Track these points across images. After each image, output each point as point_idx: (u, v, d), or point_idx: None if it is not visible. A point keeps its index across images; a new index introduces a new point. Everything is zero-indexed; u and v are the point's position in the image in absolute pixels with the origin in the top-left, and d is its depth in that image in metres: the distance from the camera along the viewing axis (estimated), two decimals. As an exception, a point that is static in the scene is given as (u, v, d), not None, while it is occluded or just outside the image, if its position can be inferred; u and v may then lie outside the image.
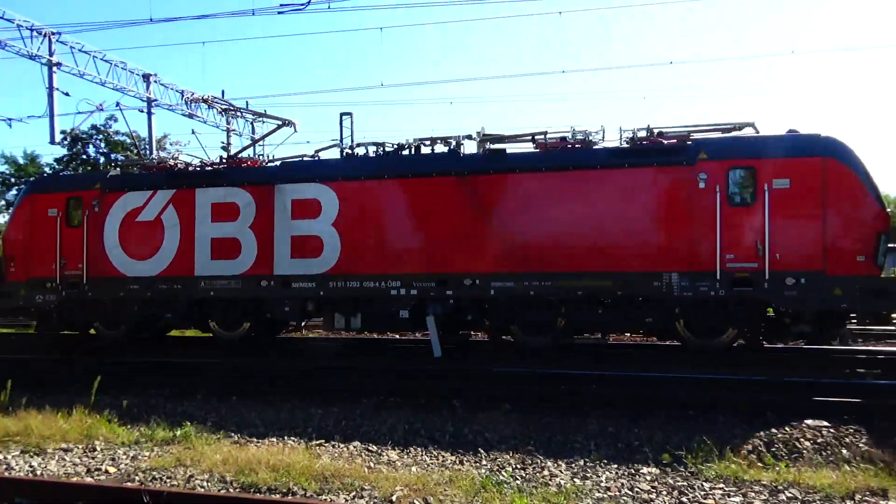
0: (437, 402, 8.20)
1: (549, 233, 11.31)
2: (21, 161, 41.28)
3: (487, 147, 12.19)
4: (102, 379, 8.35)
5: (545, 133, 12.03)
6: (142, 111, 24.22)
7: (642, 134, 11.51)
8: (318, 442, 6.86)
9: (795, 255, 10.19)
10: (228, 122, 27.51)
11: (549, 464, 6.13)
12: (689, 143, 11.03)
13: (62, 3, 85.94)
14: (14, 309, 15.41)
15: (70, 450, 6.68)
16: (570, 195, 11.30)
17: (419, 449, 6.68)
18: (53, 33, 19.28)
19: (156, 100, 23.79)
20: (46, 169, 39.72)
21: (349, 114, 17.03)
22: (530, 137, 12.21)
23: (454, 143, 12.51)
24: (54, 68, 19.52)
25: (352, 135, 16.86)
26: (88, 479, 5.74)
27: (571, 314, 11.37)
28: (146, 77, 23.23)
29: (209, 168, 14.24)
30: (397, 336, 13.69)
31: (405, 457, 6.46)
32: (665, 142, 11.32)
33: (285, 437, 7.00)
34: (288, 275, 12.57)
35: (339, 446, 6.79)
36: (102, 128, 39.79)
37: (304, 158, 13.53)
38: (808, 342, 11.49)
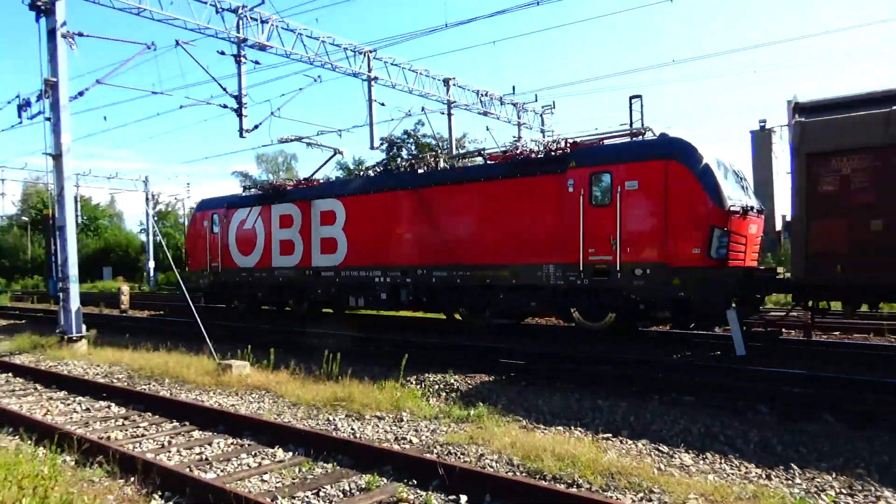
0: (740, 406, 7.41)
1: (466, 233, 14.05)
2: (350, 166, 48.11)
3: (447, 162, 16.07)
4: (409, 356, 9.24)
5: (483, 150, 16.01)
6: (443, 113, 26.37)
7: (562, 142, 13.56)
8: (604, 435, 6.66)
9: (642, 248, 11.50)
10: (519, 117, 28.62)
11: (888, 494, 5.06)
12: (565, 152, 12.97)
13: (377, 23, 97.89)
14: (194, 289, 19.67)
15: (383, 418, 7.49)
16: (476, 202, 13.99)
17: (717, 455, 6.06)
18: (371, 51, 21.92)
19: (454, 101, 25.67)
20: (370, 172, 45.73)
21: (638, 96, 16.26)
22: (477, 153, 16.10)
23: (433, 160, 16.28)
24: (372, 82, 22.25)
25: (641, 119, 16.06)
26: (396, 447, 6.34)
27: (490, 299, 13.75)
28: (446, 81, 25.19)
29: (279, 189, 19.55)
30: (700, 331, 12.73)
31: (700, 462, 5.92)
32: (553, 153, 13.26)
33: (571, 427, 6.95)
34: (319, 266, 17.16)
35: (626, 442, 6.51)
36: (413, 132, 44.46)
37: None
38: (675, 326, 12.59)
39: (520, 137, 27.70)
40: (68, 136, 14.26)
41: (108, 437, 6.89)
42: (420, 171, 16.03)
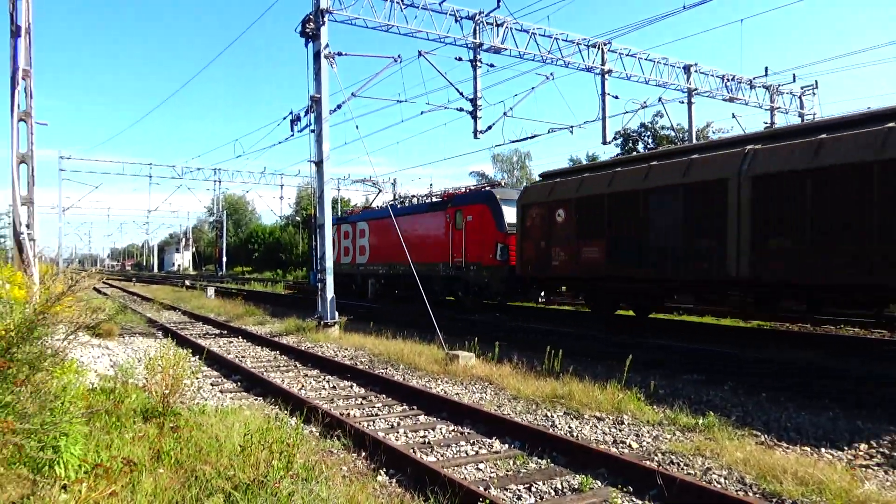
0: None
1: (409, 245, 16.54)
2: (584, 162, 47.54)
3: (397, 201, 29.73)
4: (634, 357, 8.82)
5: (414, 196, 28.01)
6: (682, 102, 24.79)
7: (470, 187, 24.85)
8: (863, 462, 5.68)
9: (475, 255, 19.77)
10: (772, 101, 25.85)
11: None
12: (447, 199, 22.08)
13: (611, 14, 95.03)
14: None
15: (602, 419, 7.24)
16: (417, 225, 22.89)
17: None
18: (605, 43, 21.38)
19: (696, 89, 23.99)
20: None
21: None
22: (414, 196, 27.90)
23: (408, 198, 28.18)
24: (606, 76, 21.68)
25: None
26: (613, 450, 6.08)
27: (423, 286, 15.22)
28: (686, 68, 23.65)
29: (342, 216, 30.58)
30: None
31: None
32: (443, 199, 22.54)
33: (820, 449, 6.04)
34: (360, 264, 27.17)
35: (892, 474, 5.48)
36: (650, 124, 42.54)
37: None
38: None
39: (773, 123, 25.05)
40: (327, 145, 16.06)
41: (348, 414, 7.60)
42: (397, 205, 25.80)
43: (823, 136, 10.81)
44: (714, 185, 12.13)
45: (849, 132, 10.49)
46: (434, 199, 23.69)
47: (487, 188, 21.90)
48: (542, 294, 20.49)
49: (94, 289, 31.12)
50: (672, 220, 12.97)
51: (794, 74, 24.89)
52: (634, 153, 36.96)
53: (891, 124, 9.87)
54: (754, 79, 24.94)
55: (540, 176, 19.50)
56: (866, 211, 9.89)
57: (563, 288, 19.95)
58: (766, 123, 25.36)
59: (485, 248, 19.15)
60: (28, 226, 9.72)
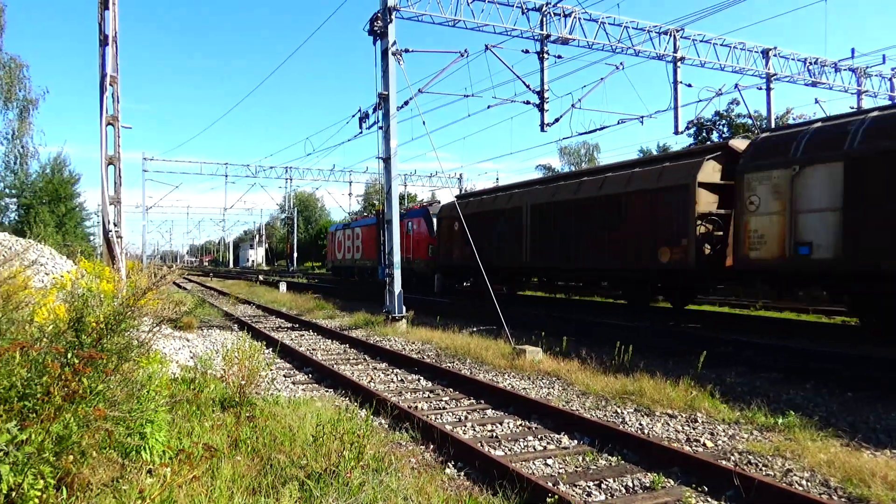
0: None
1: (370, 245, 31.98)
2: (654, 152, 46.29)
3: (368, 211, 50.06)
4: (708, 353, 8.55)
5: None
6: (760, 88, 23.77)
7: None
8: (962, 468, 5.31)
9: (417, 253, 27.86)
10: (859, 84, 24.46)
11: None
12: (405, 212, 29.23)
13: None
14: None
15: (674, 416, 7.05)
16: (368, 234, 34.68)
17: None
18: (677, 30, 20.72)
19: (775, 74, 22.96)
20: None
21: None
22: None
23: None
24: (678, 63, 21.02)
25: None
26: (687, 448, 5.92)
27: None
28: (765, 53, 22.65)
29: (348, 222, 40.84)
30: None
31: None
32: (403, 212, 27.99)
33: (913, 452, 5.70)
34: (356, 258, 36.43)
35: None
36: (725, 112, 40.99)
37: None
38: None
39: (860, 107, 23.71)
40: (395, 142, 16.24)
41: (416, 407, 7.68)
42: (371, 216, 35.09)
43: (561, 182, 19.73)
44: (517, 210, 20.48)
45: (573, 181, 18.79)
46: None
47: (426, 205, 30.08)
48: (445, 279, 27.05)
49: (175, 284, 32.64)
50: (502, 231, 21.28)
51: (883, 55, 23.50)
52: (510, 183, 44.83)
53: (586, 178, 18.20)
54: (839, 61, 23.66)
55: (456, 197, 24.74)
56: (584, 228, 17.16)
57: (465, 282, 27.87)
58: (852, 108, 24.02)
59: (421, 248, 27.87)
60: (116, 224, 10.29)
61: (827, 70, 23.67)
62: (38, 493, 2.78)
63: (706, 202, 13.48)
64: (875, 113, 11.19)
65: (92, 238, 41.80)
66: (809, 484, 5.02)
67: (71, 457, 3.68)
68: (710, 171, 13.60)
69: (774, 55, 22.75)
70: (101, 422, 3.84)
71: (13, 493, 2.60)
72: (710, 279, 15.15)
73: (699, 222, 13.33)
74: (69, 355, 3.20)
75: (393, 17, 15.81)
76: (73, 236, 34.46)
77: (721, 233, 13.48)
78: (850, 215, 10.69)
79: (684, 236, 13.58)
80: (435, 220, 26.41)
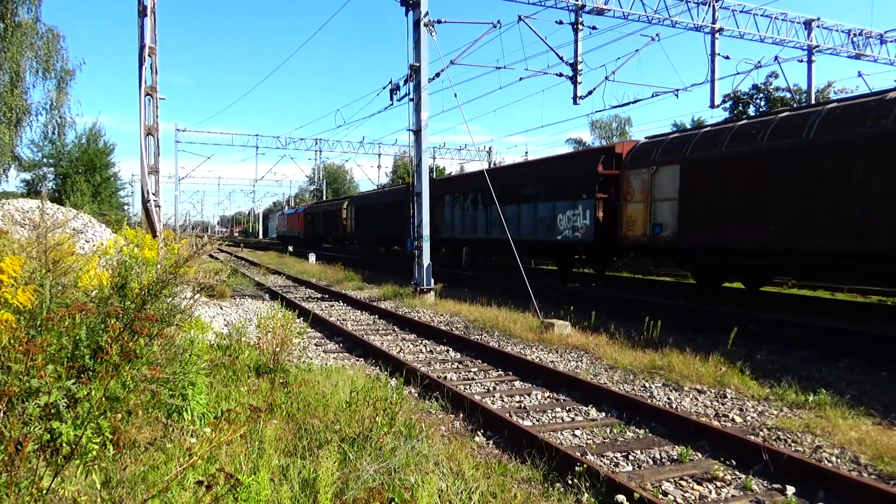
0: None
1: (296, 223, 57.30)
2: (688, 126, 45.37)
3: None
4: (738, 330, 8.51)
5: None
6: (800, 61, 23.13)
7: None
8: None
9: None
10: (904, 56, 23.64)
11: None
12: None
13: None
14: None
15: (703, 392, 7.07)
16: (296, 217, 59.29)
17: None
18: (716, 0, 20.20)
19: (817, 46, 22.30)
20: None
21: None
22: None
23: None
24: (716, 35, 20.51)
25: None
26: (715, 423, 5.94)
27: None
28: (807, 24, 22.00)
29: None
30: None
31: None
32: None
33: (949, 432, 5.64)
34: (292, 232, 60.09)
35: None
36: (763, 86, 39.91)
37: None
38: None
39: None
40: (425, 114, 16.22)
41: (445, 378, 7.80)
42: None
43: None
44: (338, 209, 44.28)
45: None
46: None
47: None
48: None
49: (209, 255, 33.31)
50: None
51: (932, 25, 22.60)
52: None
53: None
54: (885, 33, 22.87)
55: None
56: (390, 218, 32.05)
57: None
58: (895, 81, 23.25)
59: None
60: (154, 193, 10.53)
61: (872, 42, 22.93)
62: (97, 447, 2.93)
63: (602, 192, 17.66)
64: (704, 129, 15.49)
65: (126, 207, 42.65)
66: (839, 460, 5.02)
67: (119, 415, 3.86)
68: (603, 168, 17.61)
69: (817, 26, 22.11)
70: (147, 383, 4.01)
71: (73, 448, 2.75)
72: (607, 252, 19.04)
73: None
74: (127, 316, 3.33)
75: (425, -14, 15.67)
76: (109, 205, 35.14)
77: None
78: (683, 204, 14.58)
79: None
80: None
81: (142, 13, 10.51)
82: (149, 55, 10.56)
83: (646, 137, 17.51)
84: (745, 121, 14.63)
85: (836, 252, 11.34)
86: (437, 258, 21.41)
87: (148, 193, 10.37)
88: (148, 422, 4.29)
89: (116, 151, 36.36)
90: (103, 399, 3.03)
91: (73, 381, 2.85)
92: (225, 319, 11.55)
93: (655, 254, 16.40)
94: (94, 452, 3.44)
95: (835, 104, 12.05)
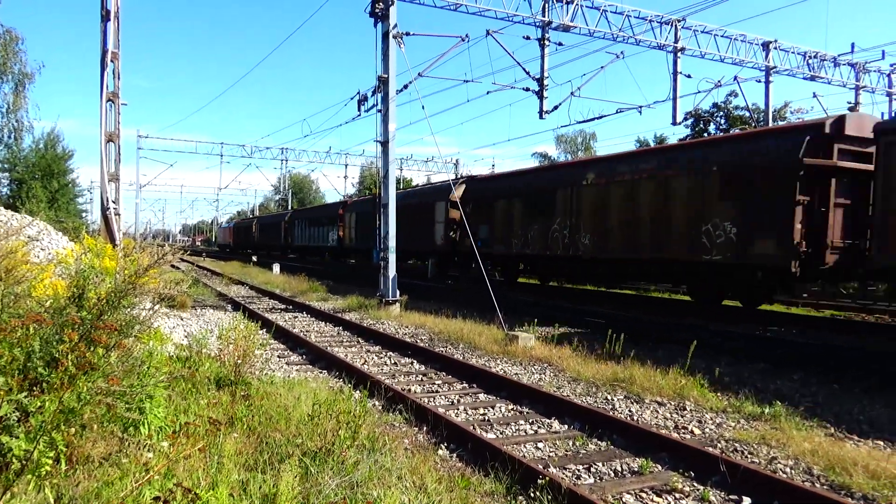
0: None
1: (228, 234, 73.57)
2: (651, 143, 46.28)
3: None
4: (697, 344, 8.67)
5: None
6: (759, 81, 23.82)
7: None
8: (942, 459, 5.45)
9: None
10: (858, 79, 24.54)
11: None
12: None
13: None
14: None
15: (664, 404, 7.18)
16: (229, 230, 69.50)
17: None
18: (678, 20, 20.68)
19: (775, 67, 22.99)
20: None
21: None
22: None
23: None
24: (679, 54, 21.01)
25: None
26: (675, 435, 6.04)
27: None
28: (765, 45, 22.67)
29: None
30: None
31: None
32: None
33: (895, 444, 5.83)
34: (227, 241, 74.51)
35: (974, 472, 5.24)
36: (722, 104, 40.96)
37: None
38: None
39: (857, 103, 23.83)
40: (393, 125, 16.24)
41: (409, 390, 7.77)
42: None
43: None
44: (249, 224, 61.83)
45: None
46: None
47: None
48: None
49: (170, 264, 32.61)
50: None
51: (882, 51, 23.56)
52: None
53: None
54: (839, 56, 23.72)
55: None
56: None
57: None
58: (849, 103, 24.12)
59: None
60: (114, 201, 10.30)
61: (826, 64, 23.74)
62: (49, 463, 2.85)
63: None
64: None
65: (84, 215, 41.61)
66: (793, 471, 5.15)
67: (73, 429, 3.76)
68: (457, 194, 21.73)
69: (774, 48, 22.80)
70: (102, 396, 3.91)
71: (24, 464, 2.67)
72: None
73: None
74: (84, 327, 3.26)
75: (394, -1, 15.75)
76: (66, 212, 34.29)
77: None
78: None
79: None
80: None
81: (105, 17, 10.33)
82: (111, 60, 10.37)
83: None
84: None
85: None
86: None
87: (108, 201, 10.14)
88: (103, 436, 4.18)
89: (76, 157, 35.66)
90: (58, 412, 2.94)
91: (24, 393, 2.76)
92: (185, 331, 11.34)
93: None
94: (47, 468, 3.34)
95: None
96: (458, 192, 22.29)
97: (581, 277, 20.64)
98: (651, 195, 14.94)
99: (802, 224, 11.74)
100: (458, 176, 49.49)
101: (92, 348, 3.14)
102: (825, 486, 4.84)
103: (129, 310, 4.43)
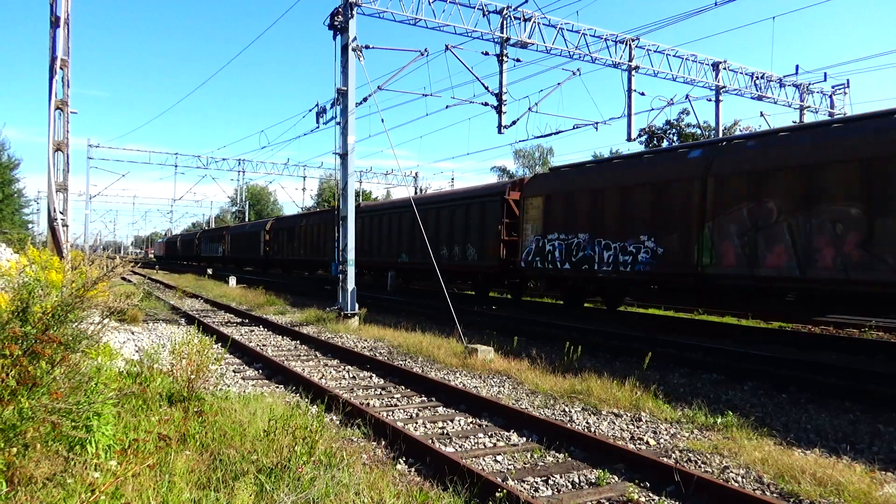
0: None
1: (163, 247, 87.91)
2: (607, 155, 47.12)
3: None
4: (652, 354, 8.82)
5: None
6: (709, 100, 24.55)
7: None
8: (882, 466, 5.64)
9: None
10: (802, 100, 25.52)
11: None
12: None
13: (640, 10, 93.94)
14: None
15: (620, 415, 7.27)
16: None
17: None
18: (633, 39, 21.21)
19: (724, 87, 23.74)
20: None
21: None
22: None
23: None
24: (633, 72, 21.53)
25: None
26: (631, 446, 6.12)
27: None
28: (715, 65, 23.39)
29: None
30: None
31: None
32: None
33: (839, 451, 6.02)
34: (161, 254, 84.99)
35: (914, 478, 5.45)
36: (675, 122, 42.09)
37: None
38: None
39: (801, 122, 24.74)
40: (352, 138, 16.17)
41: (368, 404, 7.70)
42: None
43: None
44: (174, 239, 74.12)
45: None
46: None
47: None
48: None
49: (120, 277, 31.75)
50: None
51: (825, 73, 24.58)
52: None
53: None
54: (784, 77, 24.64)
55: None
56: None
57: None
58: (794, 122, 25.05)
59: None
60: (62, 212, 9.97)
61: (773, 85, 24.62)
62: (-14, 484, 2.72)
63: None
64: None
65: (31, 226, 40.23)
66: (745, 480, 5.26)
67: (14, 449, 3.60)
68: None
69: (724, 68, 23.54)
70: (47, 414, 3.76)
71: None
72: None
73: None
74: (26, 340, 3.13)
75: (354, 12, 15.75)
76: (11, 223, 33.11)
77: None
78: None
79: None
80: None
81: (54, 24, 10.05)
82: (60, 67, 10.09)
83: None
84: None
85: None
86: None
87: (55, 212, 9.81)
88: (47, 455, 4.02)
89: (22, 167, 34.48)
90: (-3, 432, 2.82)
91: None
92: (136, 345, 11.02)
93: None
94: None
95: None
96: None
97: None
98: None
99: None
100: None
101: (35, 362, 3.02)
102: (775, 494, 4.96)
103: (76, 324, 4.28)
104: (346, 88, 15.90)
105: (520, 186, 18.93)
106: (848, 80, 25.49)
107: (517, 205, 18.47)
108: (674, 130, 42.91)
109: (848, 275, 9.82)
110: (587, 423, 7.03)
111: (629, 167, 15.19)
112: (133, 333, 12.69)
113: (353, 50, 15.75)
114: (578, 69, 20.83)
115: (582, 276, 15.48)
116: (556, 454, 5.93)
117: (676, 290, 14.44)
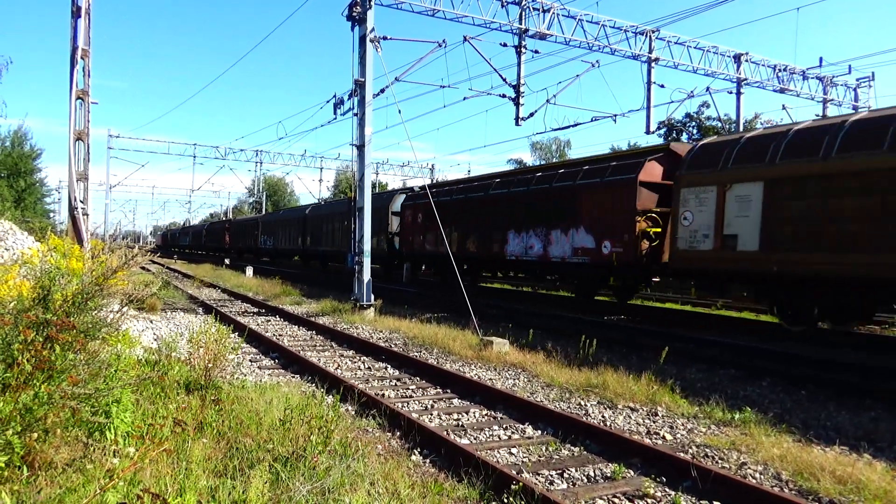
0: None
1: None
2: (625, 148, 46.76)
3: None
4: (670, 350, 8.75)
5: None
6: (730, 92, 24.23)
7: None
8: (905, 465, 5.56)
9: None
10: (825, 93, 25.10)
11: None
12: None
13: (661, 0, 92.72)
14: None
15: (636, 409, 7.23)
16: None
17: None
18: (653, 31, 20.96)
19: (746, 79, 23.41)
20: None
21: None
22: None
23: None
24: (653, 64, 21.29)
25: None
26: (647, 441, 6.08)
27: None
28: (737, 57, 23.07)
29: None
30: None
31: None
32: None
33: (860, 449, 5.93)
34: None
35: (937, 477, 5.36)
36: (695, 115, 41.62)
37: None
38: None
39: (825, 115, 24.35)
40: (369, 129, 16.17)
41: (383, 395, 7.72)
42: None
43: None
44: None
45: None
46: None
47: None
48: None
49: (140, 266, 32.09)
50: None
51: (849, 66, 24.15)
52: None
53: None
54: (808, 69, 24.24)
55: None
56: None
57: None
58: (817, 116, 24.67)
59: None
60: (83, 201, 10.08)
61: (795, 77, 24.24)
62: (2, 467, 2.76)
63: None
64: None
65: (52, 215, 40.77)
66: (762, 477, 5.21)
67: (35, 434, 3.65)
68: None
69: (746, 60, 23.21)
70: (67, 399, 3.80)
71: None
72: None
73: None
74: (41, 324, 3.16)
75: (372, 3, 15.72)
76: (33, 212, 33.54)
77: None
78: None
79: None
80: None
81: (75, 14, 10.12)
82: (81, 58, 10.16)
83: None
84: None
85: None
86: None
87: (76, 201, 9.91)
88: (67, 441, 4.07)
89: (44, 156, 35.00)
90: (15, 413, 2.85)
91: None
92: (154, 333, 11.14)
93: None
94: (6, 473, 3.23)
95: None
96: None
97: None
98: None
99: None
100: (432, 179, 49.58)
101: (50, 346, 3.05)
102: (794, 491, 4.90)
103: (96, 311, 4.32)
104: (363, 79, 15.89)
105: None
106: (873, 73, 25.03)
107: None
108: (693, 123, 42.45)
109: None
110: (603, 416, 7.00)
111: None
112: (151, 322, 12.82)
113: (371, 41, 15.73)
114: (597, 61, 20.67)
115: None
116: (572, 448, 5.91)
117: None
